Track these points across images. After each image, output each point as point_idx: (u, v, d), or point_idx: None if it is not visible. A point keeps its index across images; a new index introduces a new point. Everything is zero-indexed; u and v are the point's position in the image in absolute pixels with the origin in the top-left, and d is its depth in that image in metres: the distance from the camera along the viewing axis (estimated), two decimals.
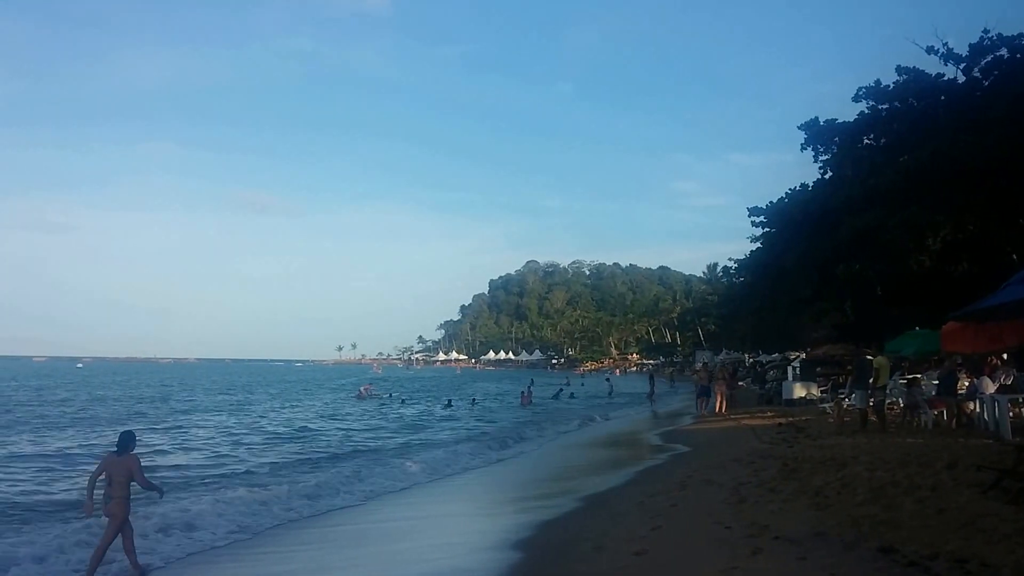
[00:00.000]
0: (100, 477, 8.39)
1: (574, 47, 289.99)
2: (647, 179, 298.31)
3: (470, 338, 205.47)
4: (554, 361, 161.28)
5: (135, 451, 8.67)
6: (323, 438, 24.46)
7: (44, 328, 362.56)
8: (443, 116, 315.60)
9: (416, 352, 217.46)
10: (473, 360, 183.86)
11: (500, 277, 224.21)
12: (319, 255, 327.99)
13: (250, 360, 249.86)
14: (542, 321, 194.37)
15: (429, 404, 43.94)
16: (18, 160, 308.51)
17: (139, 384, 71.14)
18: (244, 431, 26.74)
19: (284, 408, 40.38)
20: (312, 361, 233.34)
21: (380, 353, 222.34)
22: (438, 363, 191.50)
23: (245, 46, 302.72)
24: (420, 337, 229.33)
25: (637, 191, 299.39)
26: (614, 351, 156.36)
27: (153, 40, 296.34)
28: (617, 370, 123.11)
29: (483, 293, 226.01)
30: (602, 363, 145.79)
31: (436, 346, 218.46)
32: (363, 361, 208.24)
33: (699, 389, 31.58)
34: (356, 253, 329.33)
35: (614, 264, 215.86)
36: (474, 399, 44.77)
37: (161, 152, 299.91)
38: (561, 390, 51.67)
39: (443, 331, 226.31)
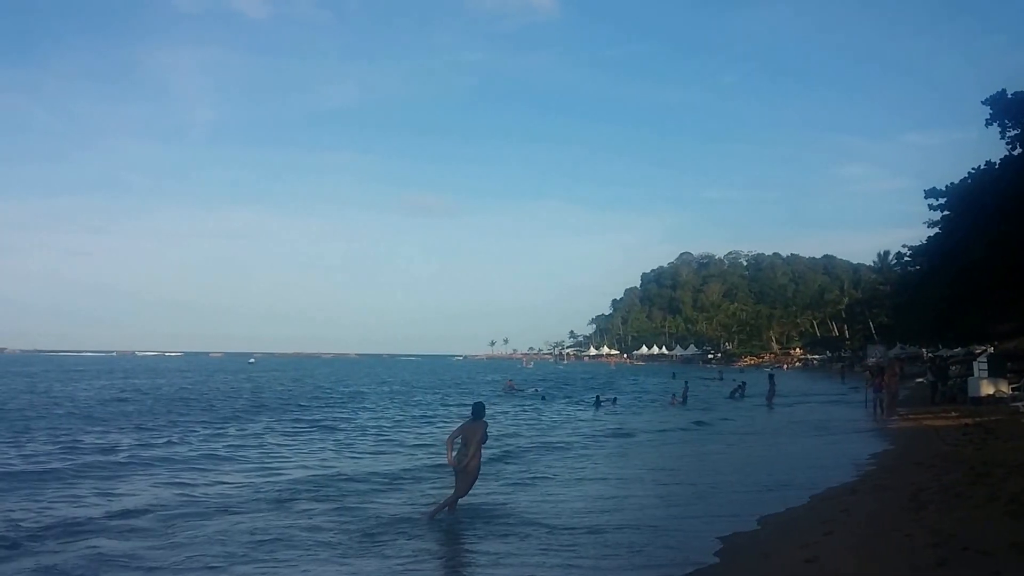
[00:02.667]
0: (457, 438, 10.87)
1: (738, 38, 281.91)
2: (810, 164, 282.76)
3: (622, 332, 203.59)
4: (710, 356, 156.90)
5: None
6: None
7: (221, 326, 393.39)
8: (603, 115, 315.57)
9: (567, 347, 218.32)
10: (625, 355, 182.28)
11: (652, 270, 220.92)
12: (476, 253, 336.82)
13: (407, 356, 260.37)
14: (697, 315, 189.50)
15: (572, 401, 43.68)
16: (216, 176, 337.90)
17: (343, 377, 75.69)
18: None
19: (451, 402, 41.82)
20: (467, 356, 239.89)
21: (531, 348, 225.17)
22: (587, 358, 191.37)
23: (420, 61, 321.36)
24: (571, 332, 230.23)
25: (799, 177, 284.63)
26: (775, 345, 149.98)
27: (339, 60, 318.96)
28: (784, 365, 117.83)
29: (635, 287, 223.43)
30: (762, 358, 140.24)
31: (587, 341, 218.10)
32: (514, 356, 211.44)
33: (872, 387, 29.47)
34: (509, 250, 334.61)
35: (774, 254, 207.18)
36: (615, 398, 42.64)
37: (340, 160, 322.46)
38: (741, 386, 46.11)
39: (594, 325, 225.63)
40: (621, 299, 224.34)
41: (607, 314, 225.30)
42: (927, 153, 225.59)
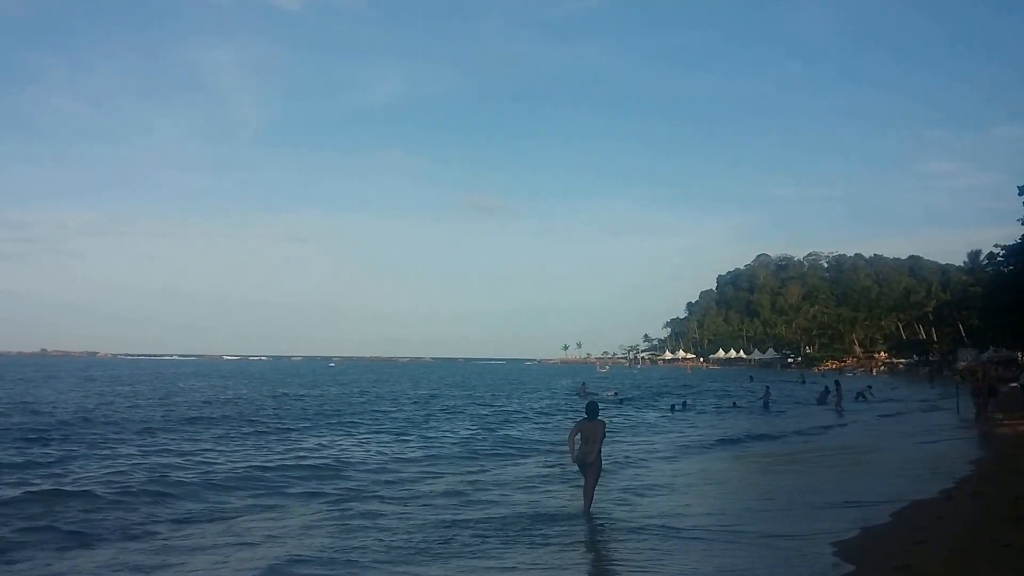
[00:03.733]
0: (576, 435, 11.75)
1: (800, 23, 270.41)
2: (893, 160, 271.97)
3: (698, 336, 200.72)
4: (789, 360, 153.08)
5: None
6: None
7: (301, 330, 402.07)
8: (664, 110, 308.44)
9: (642, 351, 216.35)
10: (701, 359, 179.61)
11: (728, 272, 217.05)
12: (544, 253, 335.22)
13: (481, 359, 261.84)
14: (775, 318, 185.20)
15: (648, 405, 43.35)
16: (268, 176, 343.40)
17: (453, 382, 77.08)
18: None
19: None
20: (540, 360, 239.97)
21: (605, 352, 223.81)
22: (661, 362, 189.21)
23: (468, 54, 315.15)
24: (646, 335, 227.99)
25: (881, 174, 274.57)
26: (858, 349, 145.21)
27: (381, 53, 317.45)
28: (873, 370, 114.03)
29: (711, 289, 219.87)
30: (844, 362, 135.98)
31: (662, 344, 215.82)
32: (588, 360, 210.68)
33: (973, 391, 28.01)
34: (581, 251, 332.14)
35: (856, 255, 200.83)
36: (685, 402, 42.32)
37: (391, 160, 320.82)
38: (868, 388, 45.56)
39: (669, 329, 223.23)
40: (696, 302, 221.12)
41: (682, 317, 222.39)
42: (1020, 146, 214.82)
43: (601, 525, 11.37)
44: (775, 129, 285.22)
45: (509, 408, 39.79)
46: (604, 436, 11.95)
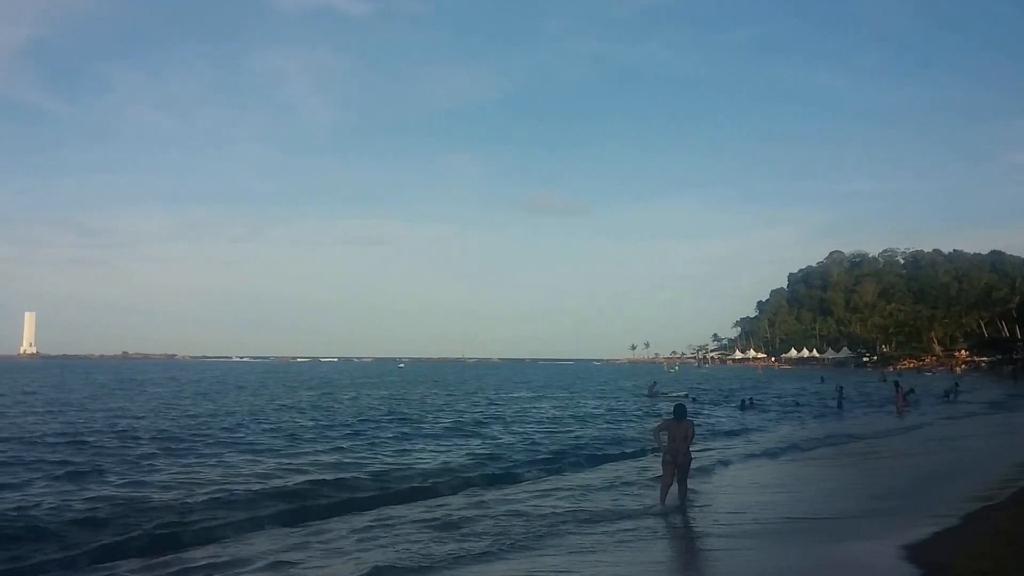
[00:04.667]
0: (662, 432, 12.85)
1: (875, 10, 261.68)
2: (974, 152, 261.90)
3: (769, 335, 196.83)
4: (865, 359, 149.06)
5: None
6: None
7: (369, 332, 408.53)
8: (733, 106, 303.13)
9: (711, 350, 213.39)
10: (772, 358, 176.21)
11: (800, 270, 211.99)
12: (610, 253, 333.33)
13: (548, 360, 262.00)
14: (849, 316, 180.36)
15: (717, 404, 43.15)
16: (339, 182, 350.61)
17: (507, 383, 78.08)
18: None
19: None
20: (607, 360, 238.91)
21: (674, 352, 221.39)
22: (731, 361, 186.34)
23: (533, 54, 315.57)
24: (715, 335, 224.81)
25: (961, 167, 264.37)
26: (937, 347, 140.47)
27: (452, 61, 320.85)
28: (954, 368, 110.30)
29: (782, 288, 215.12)
30: (923, 360, 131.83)
31: (731, 344, 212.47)
32: (656, 360, 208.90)
33: None
34: (648, 251, 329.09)
35: (934, 251, 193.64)
36: (752, 399, 42.31)
37: (458, 164, 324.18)
38: (956, 385, 45.37)
39: (739, 328, 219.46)
40: (767, 300, 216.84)
41: (752, 316, 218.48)
42: None
43: (690, 519, 12.01)
44: (848, 122, 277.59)
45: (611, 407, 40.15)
46: (693, 436, 12.91)
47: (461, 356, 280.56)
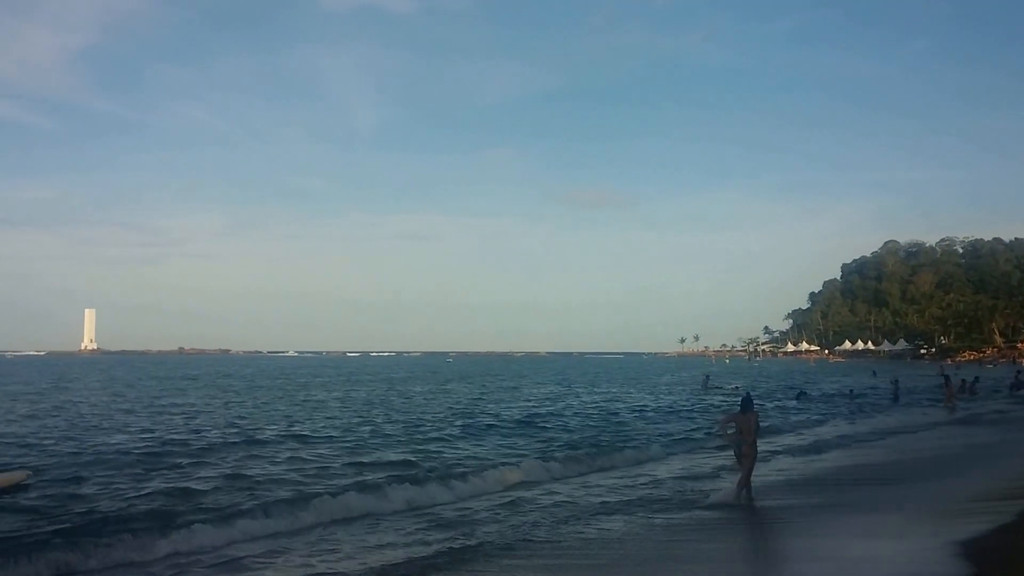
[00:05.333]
0: (729, 423, 13.09)
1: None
2: None
3: (822, 327, 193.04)
4: (922, 351, 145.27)
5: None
6: None
7: (418, 327, 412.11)
8: (782, 95, 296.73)
9: (762, 343, 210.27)
10: (826, 351, 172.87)
11: (854, 261, 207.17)
12: (656, 246, 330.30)
13: (596, 354, 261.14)
14: (906, 307, 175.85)
15: (771, 397, 42.59)
16: (385, 178, 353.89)
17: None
18: None
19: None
20: (655, 354, 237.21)
21: (724, 345, 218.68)
22: (782, 354, 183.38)
23: (577, 47, 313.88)
24: (766, 327, 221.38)
25: (1021, 153, 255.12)
26: (998, 339, 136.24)
27: (495, 55, 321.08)
28: (1022, 359, 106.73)
29: (835, 279, 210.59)
30: (983, 352, 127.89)
31: (783, 336, 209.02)
32: (706, 353, 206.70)
33: None
34: (696, 242, 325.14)
35: (994, 239, 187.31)
36: (804, 392, 41.99)
37: (501, 158, 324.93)
38: (1017, 374, 44.20)
39: (791, 321, 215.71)
40: (819, 292, 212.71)
41: (805, 308, 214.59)
42: None
43: (758, 510, 12.27)
44: (902, 110, 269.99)
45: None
46: (759, 427, 13.11)
47: (509, 350, 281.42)
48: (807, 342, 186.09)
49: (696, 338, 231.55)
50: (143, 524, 11.66)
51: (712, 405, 36.58)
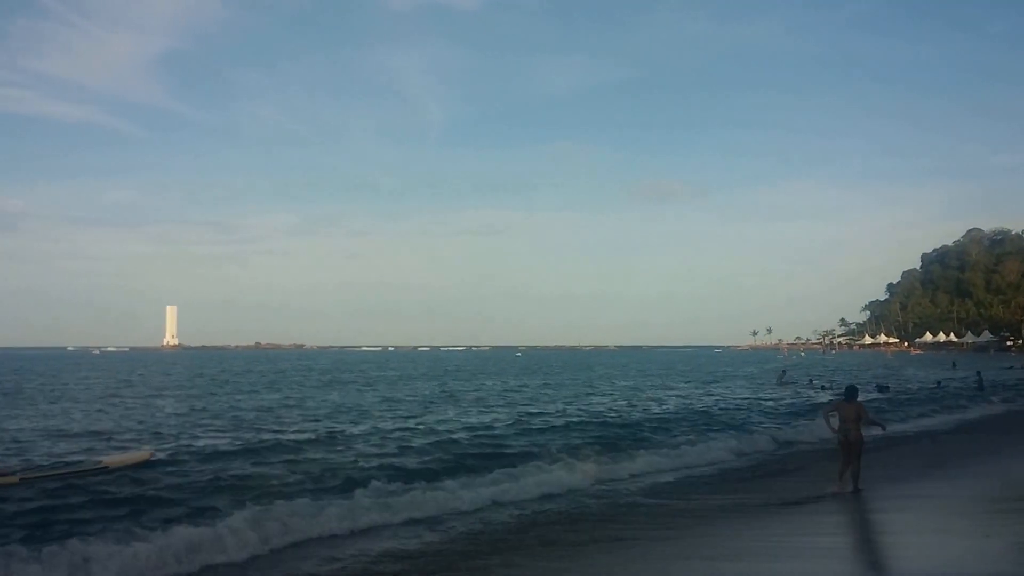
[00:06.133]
0: (832, 413, 13.14)
1: None
2: None
3: (901, 319, 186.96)
4: (1009, 343, 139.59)
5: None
6: None
7: (486, 321, 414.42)
8: (854, 80, 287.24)
9: (838, 336, 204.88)
10: (906, 343, 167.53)
11: (935, 250, 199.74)
12: (728, 237, 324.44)
13: (665, 347, 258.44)
14: (990, 298, 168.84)
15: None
16: (454, 173, 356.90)
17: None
18: None
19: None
20: (727, 347, 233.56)
21: (798, 337, 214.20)
22: (858, 347, 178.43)
23: (645, 38, 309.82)
24: (842, 319, 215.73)
25: None
26: None
27: (562, 48, 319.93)
28: None
29: (914, 269, 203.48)
30: None
31: (860, 329, 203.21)
32: (779, 346, 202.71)
33: None
34: (769, 233, 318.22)
35: None
36: (884, 385, 41.26)
37: (571, 151, 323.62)
38: None
39: (868, 312, 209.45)
40: (898, 283, 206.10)
41: (882, 299, 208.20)
42: None
43: (867, 500, 12.55)
44: (981, 95, 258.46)
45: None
46: (864, 416, 13.08)
47: (577, 344, 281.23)
48: (885, 334, 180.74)
49: (768, 330, 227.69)
50: None
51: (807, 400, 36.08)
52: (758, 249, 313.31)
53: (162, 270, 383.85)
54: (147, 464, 16.31)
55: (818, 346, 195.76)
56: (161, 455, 17.57)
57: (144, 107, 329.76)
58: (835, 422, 12.91)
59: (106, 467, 15.75)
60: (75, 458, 17.42)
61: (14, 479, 14.57)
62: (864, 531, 11.19)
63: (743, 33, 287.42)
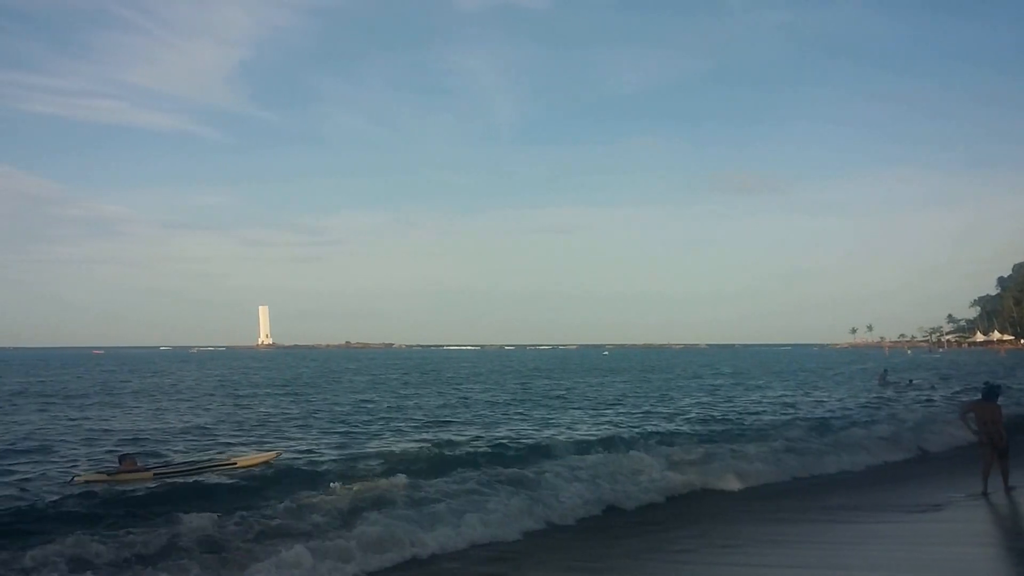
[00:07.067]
0: (969, 413, 12.65)
1: None
2: None
3: (1015, 315, 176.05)
4: None
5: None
6: None
7: (572, 319, 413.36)
8: (948, 62, 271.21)
9: (946, 333, 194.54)
10: (1022, 340, 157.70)
11: None
12: (824, 230, 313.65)
13: (759, 345, 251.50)
14: None
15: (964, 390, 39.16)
16: (528, 171, 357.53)
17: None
18: None
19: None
20: (825, 345, 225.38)
21: (902, 335, 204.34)
22: (968, 344, 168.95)
23: (719, 29, 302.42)
24: (950, 316, 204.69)
25: None
26: None
27: (635, 43, 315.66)
28: None
29: None
30: None
31: (970, 325, 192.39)
32: (882, 344, 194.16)
33: None
34: (867, 225, 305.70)
35: None
36: (995, 385, 37.87)
37: (646, 147, 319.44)
38: None
39: (978, 308, 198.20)
40: (1010, 276, 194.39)
41: (994, 294, 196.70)
42: None
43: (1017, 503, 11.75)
44: None
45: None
46: (1001, 418, 12.35)
47: (666, 342, 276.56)
48: (999, 331, 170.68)
49: (869, 328, 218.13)
50: None
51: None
52: (856, 242, 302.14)
53: (254, 271, 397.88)
54: (270, 465, 16.15)
55: (924, 344, 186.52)
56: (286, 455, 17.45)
57: (229, 114, 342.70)
58: (972, 423, 12.48)
59: (236, 465, 15.85)
60: (205, 455, 17.60)
61: (148, 475, 14.92)
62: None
63: (820, 20, 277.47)
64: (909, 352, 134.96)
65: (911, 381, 46.16)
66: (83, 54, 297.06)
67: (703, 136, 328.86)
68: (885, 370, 53.01)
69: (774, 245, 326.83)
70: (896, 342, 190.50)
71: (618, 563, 9.44)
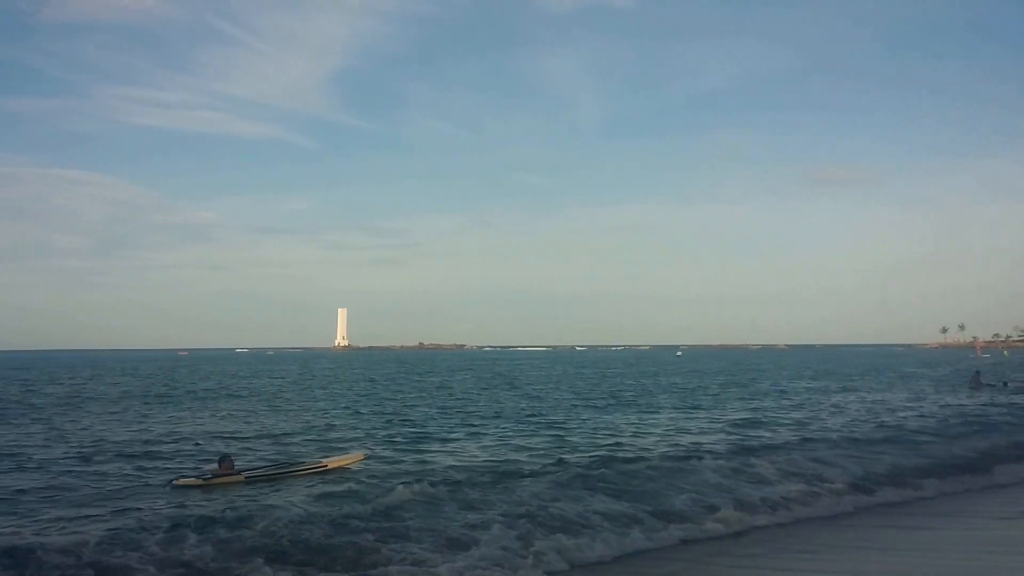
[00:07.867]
0: None
1: None
2: None
3: None
4: None
5: None
6: None
7: (646, 319, 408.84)
8: None
9: None
10: None
11: None
12: (910, 225, 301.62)
13: (841, 345, 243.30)
14: None
15: None
16: (611, 169, 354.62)
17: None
18: None
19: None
20: (911, 345, 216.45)
21: (996, 335, 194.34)
22: None
23: (811, 18, 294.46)
24: None
25: None
26: None
27: (720, 38, 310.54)
28: None
29: None
30: None
31: None
32: (974, 344, 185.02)
33: None
34: (957, 219, 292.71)
35: None
36: None
37: (731, 142, 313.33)
38: None
39: None
40: None
41: None
42: None
43: None
44: None
45: None
46: None
47: (744, 343, 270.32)
48: None
49: (961, 327, 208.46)
50: None
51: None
52: (946, 237, 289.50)
53: (335, 274, 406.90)
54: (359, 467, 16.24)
55: (1020, 344, 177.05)
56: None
57: (321, 122, 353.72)
58: None
59: (326, 467, 15.73)
60: (296, 457, 17.59)
61: (239, 478, 14.85)
62: None
63: (917, 5, 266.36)
64: (1006, 353, 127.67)
65: (1006, 384, 43.26)
66: (184, 67, 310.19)
67: (790, 129, 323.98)
68: (977, 371, 49.73)
69: (857, 242, 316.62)
70: (990, 342, 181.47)
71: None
